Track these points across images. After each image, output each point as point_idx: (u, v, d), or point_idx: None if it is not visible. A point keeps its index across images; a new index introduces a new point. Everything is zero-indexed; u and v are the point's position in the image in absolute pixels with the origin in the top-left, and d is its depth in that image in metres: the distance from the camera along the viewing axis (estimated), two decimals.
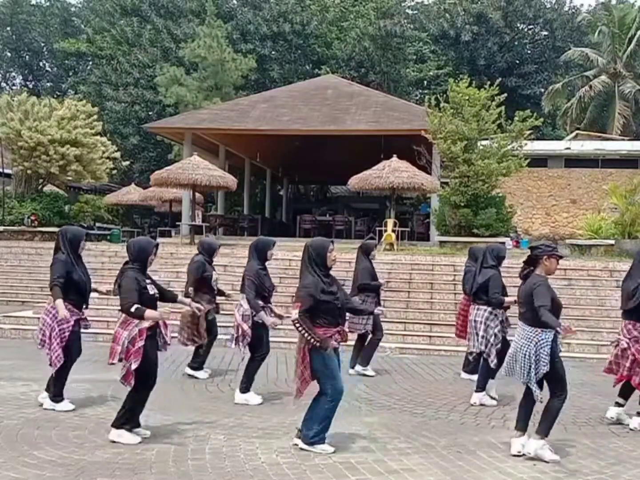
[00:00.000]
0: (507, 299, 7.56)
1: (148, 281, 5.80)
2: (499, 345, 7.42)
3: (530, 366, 5.41)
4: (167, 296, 6.19)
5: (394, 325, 11.32)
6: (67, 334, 6.45)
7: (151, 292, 5.77)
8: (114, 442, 5.50)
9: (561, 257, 5.72)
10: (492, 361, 7.41)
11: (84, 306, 6.68)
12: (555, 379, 5.47)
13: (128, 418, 5.62)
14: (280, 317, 7.24)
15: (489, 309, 7.53)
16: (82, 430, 5.88)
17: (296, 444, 5.50)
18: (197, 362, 8.45)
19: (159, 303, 5.91)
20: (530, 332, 5.48)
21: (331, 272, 5.58)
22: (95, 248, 17.15)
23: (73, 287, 6.52)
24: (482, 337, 7.49)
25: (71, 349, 6.52)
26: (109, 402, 6.81)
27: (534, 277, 5.60)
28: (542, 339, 5.41)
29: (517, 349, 5.54)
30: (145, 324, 5.57)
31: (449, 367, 9.49)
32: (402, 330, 11.53)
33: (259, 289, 7.14)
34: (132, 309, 5.50)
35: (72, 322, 6.49)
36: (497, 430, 6.30)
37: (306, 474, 4.95)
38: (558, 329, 5.32)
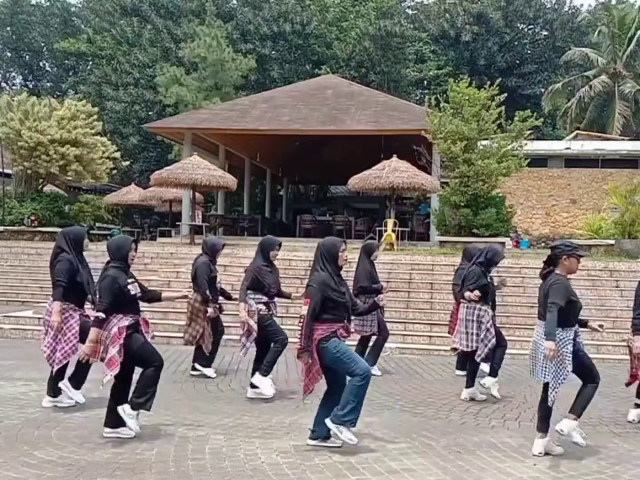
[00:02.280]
0: (466, 293, 7.51)
1: (131, 280, 5.81)
2: (494, 340, 7.42)
3: (551, 366, 5.42)
4: (149, 296, 6.17)
5: (394, 325, 11.28)
6: (77, 328, 6.54)
7: (133, 292, 5.76)
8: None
9: (582, 257, 5.71)
10: (479, 356, 7.43)
11: (85, 305, 6.75)
12: (584, 371, 5.57)
13: (151, 398, 5.70)
14: (289, 296, 7.73)
15: (478, 305, 7.52)
16: (82, 430, 5.88)
17: (309, 444, 5.57)
18: (204, 362, 8.47)
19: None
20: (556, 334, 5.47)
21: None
22: (95, 248, 17.11)
23: (75, 289, 6.59)
24: (476, 334, 7.49)
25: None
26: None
27: (552, 276, 5.60)
28: (563, 338, 5.42)
29: (537, 349, 5.53)
30: (125, 322, 5.65)
31: (449, 367, 9.48)
32: (402, 330, 11.53)
33: (258, 284, 7.30)
34: (98, 315, 5.61)
35: (77, 318, 6.58)
36: (497, 430, 6.29)
37: (306, 474, 4.95)
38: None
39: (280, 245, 7.63)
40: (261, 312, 7.29)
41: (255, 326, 7.25)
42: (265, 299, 7.35)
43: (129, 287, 5.73)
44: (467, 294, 7.46)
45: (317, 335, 5.44)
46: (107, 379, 5.62)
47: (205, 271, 8.35)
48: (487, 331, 7.44)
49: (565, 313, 5.46)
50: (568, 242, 5.79)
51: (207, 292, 8.28)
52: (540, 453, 5.48)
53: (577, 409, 5.58)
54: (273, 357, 7.32)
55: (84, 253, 6.88)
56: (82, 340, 6.46)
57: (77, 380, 6.73)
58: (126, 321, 5.67)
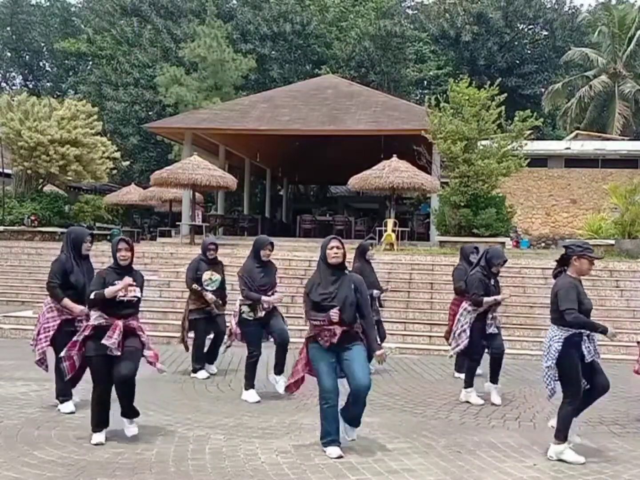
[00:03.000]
0: (486, 299, 7.28)
1: (123, 281, 5.62)
2: (466, 342, 7.35)
3: (545, 362, 5.43)
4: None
5: (394, 325, 11.32)
6: (51, 332, 6.46)
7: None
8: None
9: (594, 259, 5.50)
10: (450, 353, 7.59)
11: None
12: (564, 382, 5.38)
13: (93, 419, 5.62)
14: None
15: (465, 305, 7.51)
16: (82, 430, 5.86)
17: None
18: (199, 363, 8.49)
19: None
20: (551, 331, 5.47)
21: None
22: (95, 248, 17.05)
23: (69, 289, 6.51)
24: (457, 333, 7.53)
25: (57, 348, 6.48)
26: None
27: (562, 277, 5.55)
28: (556, 335, 5.38)
29: (547, 354, 5.49)
30: (94, 322, 5.59)
31: (449, 367, 9.45)
32: (402, 330, 11.53)
33: (249, 285, 7.22)
34: (91, 296, 5.60)
35: (58, 322, 6.49)
36: (497, 430, 6.29)
37: (306, 474, 4.95)
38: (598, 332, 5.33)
39: (271, 244, 7.38)
40: (242, 315, 7.20)
41: (236, 328, 7.28)
42: (246, 300, 7.23)
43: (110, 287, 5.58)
44: (486, 299, 7.25)
45: (307, 333, 5.50)
46: (62, 354, 5.72)
47: (190, 268, 8.69)
48: (464, 331, 7.38)
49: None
50: (580, 243, 5.63)
51: (195, 285, 8.47)
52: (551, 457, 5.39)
53: (558, 434, 5.37)
54: (248, 370, 7.24)
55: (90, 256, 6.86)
56: (55, 348, 6.43)
57: (60, 390, 6.62)
58: (95, 321, 5.60)
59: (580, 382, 5.38)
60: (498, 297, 7.36)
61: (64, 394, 6.55)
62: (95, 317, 5.61)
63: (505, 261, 7.55)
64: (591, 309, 5.52)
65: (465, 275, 8.24)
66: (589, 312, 5.48)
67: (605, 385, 5.50)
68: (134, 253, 5.83)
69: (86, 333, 5.62)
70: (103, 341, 5.52)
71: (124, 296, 5.60)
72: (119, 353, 5.54)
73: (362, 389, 5.27)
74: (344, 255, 5.46)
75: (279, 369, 7.30)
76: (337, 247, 5.43)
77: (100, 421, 5.62)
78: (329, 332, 5.32)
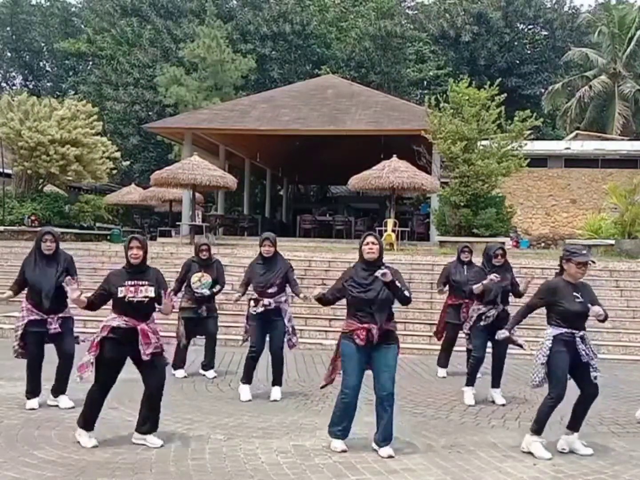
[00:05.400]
0: (475, 286, 7.28)
1: (131, 282, 5.37)
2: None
3: (538, 359, 5.54)
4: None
5: None
6: (19, 332, 6.69)
7: (120, 295, 5.35)
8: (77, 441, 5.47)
9: (580, 263, 5.42)
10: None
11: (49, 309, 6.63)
12: (550, 379, 5.47)
13: (84, 417, 5.49)
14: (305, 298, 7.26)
15: (473, 305, 7.59)
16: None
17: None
18: (178, 361, 8.47)
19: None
20: (547, 330, 5.59)
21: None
22: (95, 248, 17.14)
23: (29, 286, 6.70)
24: (465, 329, 7.78)
25: (28, 349, 6.65)
26: (109, 402, 6.80)
27: (554, 278, 5.74)
28: (547, 333, 5.52)
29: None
30: (113, 323, 5.39)
31: (449, 367, 9.46)
32: (402, 330, 11.50)
33: (248, 280, 7.42)
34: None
35: (25, 321, 6.65)
36: (497, 430, 6.30)
37: (306, 474, 4.95)
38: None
39: (268, 239, 7.27)
40: (251, 309, 7.29)
41: (245, 323, 7.47)
42: (254, 295, 7.34)
43: (120, 288, 5.36)
44: (475, 286, 7.30)
45: (342, 328, 5.58)
46: (85, 359, 5.47)
47: (182, 267, 8.74)
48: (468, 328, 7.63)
49: (550, 313, 5.58)
50: (571, 247, 5.63)
51: (176, 287, 8.56)
52: (563, 449, 5.56)
53: (532, 425, 5.54)
54: (245, 364, 7.33)
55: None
56: (24, 347, 6.64)
57: (27, 387, 6.73)
58: (114, 322, 5.39)
59: (564, 383, 5.42)
60: (485, 282, 7.17)
61: (29, 391, 6.70)
62: (113, 319, 5.39)
63: (502, 249, 7.49)
64: (576, 311, 5.42)
65: (447, 272, 8.69)
66: (570, 313, 5.41)
67: (592, 394, 5.55)
68: (147, 251, 5.56)
69: (104, 334, 5.40)
70: (144, 355, 5.35)
71: (133, 297, 5.37)
72: (147, 358, 5.42)
73: (384, 395, 5.47)
74: (380, 250, 5.51)
75: (274, 381, 7.36)
76: (373, 243, 5.50)
77: (91, 421, 5.51)
78: (365, 330, 5.40)
